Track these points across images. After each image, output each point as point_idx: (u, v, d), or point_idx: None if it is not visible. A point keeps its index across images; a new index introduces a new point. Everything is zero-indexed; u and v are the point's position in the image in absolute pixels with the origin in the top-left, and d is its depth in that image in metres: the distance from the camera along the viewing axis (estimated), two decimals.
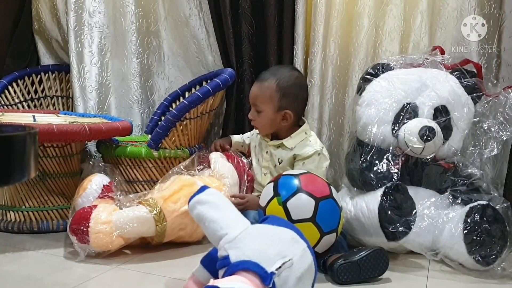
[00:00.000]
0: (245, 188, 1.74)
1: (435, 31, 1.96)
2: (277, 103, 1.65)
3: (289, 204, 1.35)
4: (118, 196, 1.62)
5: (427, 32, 1.96)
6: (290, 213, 1.34)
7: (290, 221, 1.27)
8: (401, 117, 1.65)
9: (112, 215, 1.49)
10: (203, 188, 1.14)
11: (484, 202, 1.50)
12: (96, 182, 1.62)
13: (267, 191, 1.42)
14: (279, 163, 1.68)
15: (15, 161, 0.53)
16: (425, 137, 1.56)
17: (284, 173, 1.48)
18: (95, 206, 1.52)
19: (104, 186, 1.62)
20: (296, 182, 1.39)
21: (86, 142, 2.03)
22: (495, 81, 1.85)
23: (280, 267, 0.98)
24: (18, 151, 0.54)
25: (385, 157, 1.59)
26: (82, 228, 1.45)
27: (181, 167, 1.71)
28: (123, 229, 1.48)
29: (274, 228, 1.09)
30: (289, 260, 1.00)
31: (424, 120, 1.61)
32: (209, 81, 2.11)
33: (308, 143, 1.67)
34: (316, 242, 1.34)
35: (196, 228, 1.60)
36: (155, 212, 1.50)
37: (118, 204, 1.57)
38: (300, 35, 2.05)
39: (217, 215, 1.08)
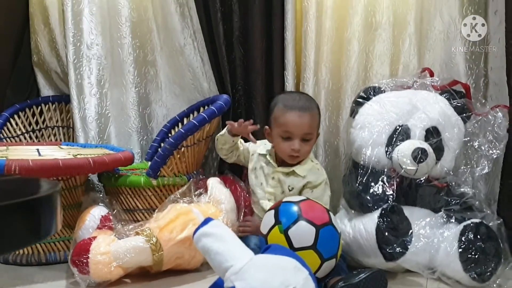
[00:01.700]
0: (242, 213, 1.77)
1: (423, 53, 2.02)
2: (318, 127, 1.75)
3: (291, 232, 1.39)
4: (117, 226, 1.66)
5: (416, 54, 2.02)
6: (291, 241, 1.38)
7: (291, 249, 1.32)
8: (394, 139, 1.69)
9: (110, 246, 1.53)
10: (207, 220, 1.18)
11: (477, 220, 1.55)
12: (94, 213, 1.66)
13: (268, 219, 1.46)
14: (289, 190, 1.70)
15: (43, 219, 0.58)
16: (418, 159, 1.60)
17: (284, 199, 1.52)
18: (95, 237, 1.57)
19: (102, 216, 1.66)
20: (296, 209, 1.44)
21: None
22: (483, 100, 1.91)
23: None
24: (46, 210, 0.58)
25: (380, 179, 1.63)
26: (82, 259, 1.50)
27: (178, 194, 1.75)
28: (121, 259, 1.52)
29: (277, 258, 1.14)
30: None
31: (416, 141, 1.66)
32: (206, 107, 2.15)
33: (316, 171, 1.72)
34: (317, 268, 1.38)
35: (194, 256, 1.63)
36: (151, 241, 1.54)
37: (116, 235, 1.61)
38: (290, 61, 2.10)
39: (222, 247, 1.12)
